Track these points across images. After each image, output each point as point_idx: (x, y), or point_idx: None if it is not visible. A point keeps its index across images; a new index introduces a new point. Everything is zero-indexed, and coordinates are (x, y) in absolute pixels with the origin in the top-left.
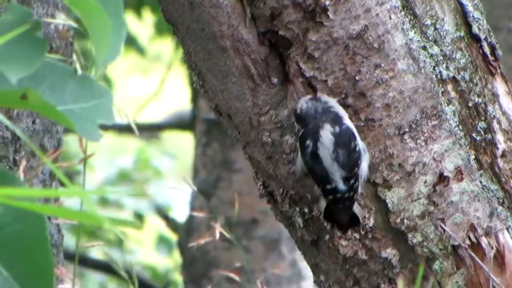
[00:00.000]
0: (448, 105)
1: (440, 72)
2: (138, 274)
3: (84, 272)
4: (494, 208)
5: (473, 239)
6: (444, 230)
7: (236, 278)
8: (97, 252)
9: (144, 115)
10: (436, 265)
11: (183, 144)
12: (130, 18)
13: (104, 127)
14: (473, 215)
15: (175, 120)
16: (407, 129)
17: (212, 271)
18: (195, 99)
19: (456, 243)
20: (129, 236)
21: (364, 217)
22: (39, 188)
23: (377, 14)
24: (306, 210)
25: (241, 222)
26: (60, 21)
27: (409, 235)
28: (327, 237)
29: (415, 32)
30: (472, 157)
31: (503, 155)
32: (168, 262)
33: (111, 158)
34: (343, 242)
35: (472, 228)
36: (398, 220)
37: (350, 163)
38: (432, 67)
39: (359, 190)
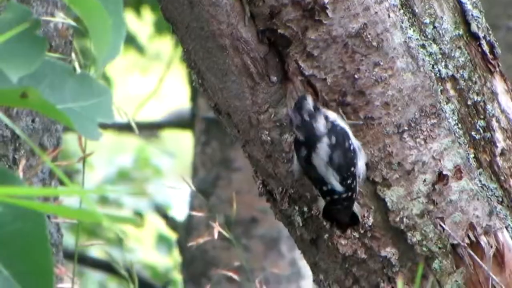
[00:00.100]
0: (447, 103)
1: (439, 70)
2: (138, 273)
3: (84, 271)
4: (493, 207)
5: (473, 238)
6: (444, 229)
7: (236, 277)
8: (97, 251)
9: (144, 114)
10: (435, 264)
11: (183, 142)
12: (129, 16)
13: (104, 126)
14: (472, 214)
15: (174, 118)
16: (406, 128)
17: (211, 270)
18: (194, 97)
19: (455, 242)
20: (129, 235)
21: (364, 216)
22: (38, 187)
23: (376, 12)
24: (305, 209)
25: (240, 221)
26: (59, 19)
27: (409, 234)
28: (326, 236)
29: (414, 31)
30: (471, 155)
31: (502, 153)
32: (168, 261)
33: (111, 157)
34: (343, 241)
35: (472, 227)
36: (398, 219)
37: (346, 163)
38: (431, 66)
39: (358, 189)
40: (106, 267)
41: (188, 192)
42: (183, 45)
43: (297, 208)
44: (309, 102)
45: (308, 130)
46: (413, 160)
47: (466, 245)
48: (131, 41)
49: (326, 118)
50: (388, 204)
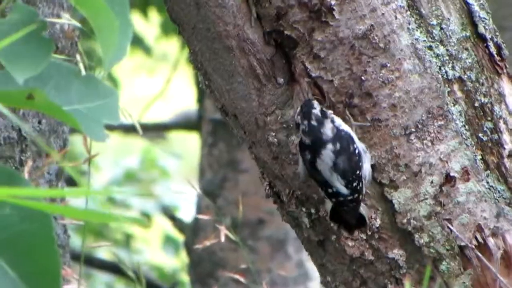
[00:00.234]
0: (454, 105)
1: (446, 72)
2: (145, 274)
3: (91, 272)
4: (501, 208)
5: (480, 240)
6: (451, 231)
7: (242, 280)
8: (104, 252)
9: (151, 115)
10: (443, 266)
11: (189, 144)
12: (136, 18)
13: (110, 127)
14: (480, 215)
15: (181, 120)
16: (413, 129)
17: (218, 271)
18: (201, 99)
19: (463, 244)
20: (136, 236)
21: (371, 217)
22: (45, 188)
23: (383, 14)
24: (312, 210)
25: (247, 223)
26: (65, 21)
27: (416, 236)
28: (333, 237)
29: (421, 32)
30: (479, 157)
31: (509, 155)
32: (175, 262)
33: (117, 158)
34: (350, 243)
35: (479, 228)
36: (405, 221)
37: (351, 167)
38: (438, 67)
39: (364, 190)
40: (113, 268)
41: (195, 194)
42: (189, 46)
43: (304, 209)
44: (316, 106)
45: (315, 135)
46: (420, 162)
47: (473, 247)
48: (137, 42)
49: (333, 121)
50: (396, 205)
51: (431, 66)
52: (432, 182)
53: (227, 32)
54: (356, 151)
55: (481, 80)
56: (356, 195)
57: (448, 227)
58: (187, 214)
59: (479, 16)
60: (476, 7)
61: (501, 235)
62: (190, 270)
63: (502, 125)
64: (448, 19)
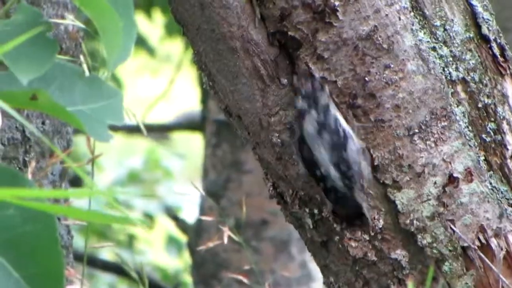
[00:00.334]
0: (457, 106)
1: (449, 73)
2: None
3: (94, 273)
4: (504, 209)
5: (483, 240)
6: (454, 231)
7: (246, 281)
8: (107, 253)
9: (154, 116)
10: (445, 266)
11: (193, 144)
12: (140, 18)
13: (114, 128)
14: (482, 216)
15: (185, 121)
16: (416, 130)
17: (222, 272)
18: (205, 100)
19: (465, 244)
20: (139, 237)
21: (374, 218)
22: (49, 188)
23: (387, 15)
24: (315, 211)
25: (250, 223)
26: (69, 22)
27: (419, 236)
28: (337, 238)
29: (424, 33)
30: (482, 158)
31: None
32: (178, 263)
33: (121, 159)
34: (353, 244)
35: (482, 229)
36: (408, 221)
37: (337, 145)
38: (441, 68)
39: (356, 178)
40: (116, 269)
41: (199, 194)
42: (193, 47)
43: (307, 210)
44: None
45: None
46: (423, 163)
47: (476, 248)
48: (141, 43)
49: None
50: (399, 206)
51: (435, 67)
52: (435, 183)
53: (231, 33)
54: (341, 129)
55: (484, 81)
56: (347, 181)
57: (451, 228)
58: (190, 215)
59: (483, 17)
60: (479, 9)
61: (504, 235)
62: (193, 271)
63: (505, 126)
64: (452, 20)
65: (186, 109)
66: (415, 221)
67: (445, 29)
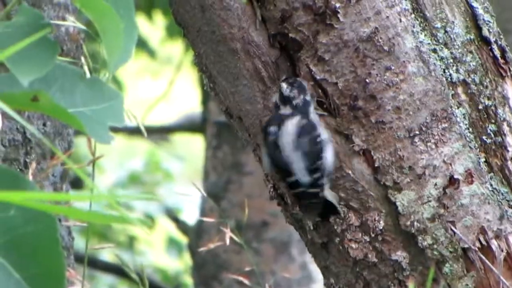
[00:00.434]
0: (458, 107)
1: (450, 74)
2: (148, 276)
3: (95, 274)
4: (505, 211)
5: (483, 242)
6: (454, 233)
7: (246, 282)
8: (107, 254)
9: (155, 117)
10: (446, 268)
11: (194, 146)
12: (141, 20)
13: (115, 130)
14: (483, 217)
15: (185, 122)
16: (417, 132)
17: (222, 273)
18: (205, 101)
19: (466, 246)
20: (139, 238)
21: (374, 219)
22: (49, 190)
23: (387, 17)
24: None
25: (251, 225)
26: (70, 23)
27: (419, 238)
28: (337, 239)
29: (425, 35)
30: (482, 159)
31: None
32: (179, 265)
33: (122, 161)
34: (353, 245)
35: (482, 230)
36: (408, 223)
37: (312, 153)
38: (442, 70)
39: (326, 186)
40: (117, 270)
41: (199, 196)
42: (194, 48)
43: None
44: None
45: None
46: (424, 164)
47: (477, 249)
48: (142, 45)
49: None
50: (399, 208)
51: (436, 69)
52: (435, 184)
53: (232, 35)
54: (318, 139)
55: (485, 83)
56: (316, 190)
57: (452, 230)
58: (190, 216)
59: (483, 19)
60: (480, 10)
61: (504, 237)
62: (194, 273)
63: (505, 128)
64: (453, 22)
65: (187, 111)
66: (415, 223)
67: (445, 31)
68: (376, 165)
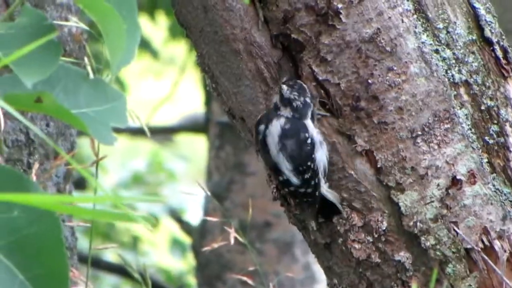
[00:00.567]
0: (460, 108)
1: (452, 75)
2: (152, 276)
3: (98, 274)
4: (507, 211)
5: (486, 242)
6: (457, 233)
7: (250, 281)
8: (111, 254)
9: (158, 118)
10: (449, 268)
11: (197, 147)
12: (143, 21)
13: (118, 130)
14: (486, 218)
15: (188, 123)
16: (419, 132)
17: (226, 273)
18: (208, 102)
19: (469, 246)
20: (143, 238)
21: (377, 220)
22: (53, 191)
23: (390, 18)
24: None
25: (254, 225)
26: (73, 24)
27: (422, 238)
28: (340, 240)
29: (427, 36)
30: (485, 160)
31: None
32: (182, 265)
33: (125, 161)
34: (356, 245)
35: (485, 231)
36: (411, 223)
37: (301, 155)
38: (444, 71)
39: (323, 185)
40: (120, 270)
41: (203, 196)
42: (197, 49)
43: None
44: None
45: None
46: (426, 165)
47: (479, 250)
48: (145, 45)
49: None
50: (402, 208)
51: (438, 70)
52: (438, 185)
53: (234, 36)
54: (309, 141)
55: (487, 84)
56: (310, 190)
57: (454, 230)
58: (194, 217)
59: (485, 19)
60: (482, 11)
61: (507, 237)
62: (198, 273)
63: (508, 128)
64: (455, 22)
65: (190, 111)
66: (418, 223)
67: (448, 32)
68: (378, 166)
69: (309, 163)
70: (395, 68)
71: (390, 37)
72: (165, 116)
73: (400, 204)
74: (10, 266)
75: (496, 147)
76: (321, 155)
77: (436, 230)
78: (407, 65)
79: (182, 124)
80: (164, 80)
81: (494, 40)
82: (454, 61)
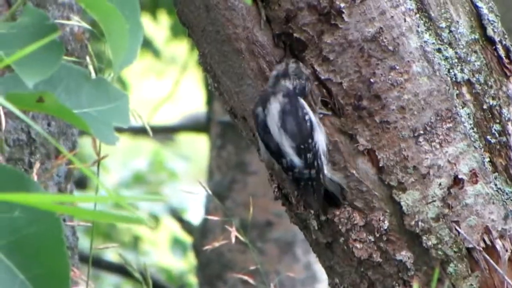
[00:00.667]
0: (463, 107)
1: (455, 74)
2: (152, 276)
3: (99, 274)
4: (509, 210)
5: (488, 242)
6: (459, 233)
7: (251, 281)
8: (111, 254)
9: (160, 117)
10: (450, 268)
11: (198, 146)
12: (145, 20)
13: (119, 130)
14: (487, 217)
15: (190, 122)
16: (422, 132)
17: (227, 273)
18: (210, 101)
19: (470, 246)
20: (144, 238)
21: (379, 219)
22: (54, 190)
23: (392, 17)
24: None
25: (255, 224)
26: (75, 23)
27: (424, 238)
28: (341, 239)
29: (430, 35)
30: (487, 159)
31: None
32: (183, 264)
33: (126, 160)
34: (358, 245)
35: (487, 230)
36: (413, 223)
37: (301, 132)
38: (447, 70)
39: (324, 169)
40: (121, 270)
41: (204, 195)
42: (199, 48)
43: (312, 211)
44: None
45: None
46: (428, 164)
47: (481, 249)
48: (147, 45)
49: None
50: (404, 207)
51: (440, 69)
52: (440, 184)
53: (236, 35)
54: (307, 117)
55: (489, 83)
56: (313, 172)
57: (456, 229)
58: (195, 216)
59: (488, 19)
60: (485, 10)
61: (509, 237)
62: (198, 272)
63: (510, 128)
64: (457, 22)
65: (191, 111)
66: (420, 223)
67: (450, 31)
68: (380, 165)
69: (309, 141)
70: (397, 67)
71: (392, 36)
72: (167, 116)
73: (402, 203)
74: (11, 266)
75: (498, 146)
76: (319, 136)
77: (438, 229)
78: (409, 64)
79: (183, 124)
80: (165, 80)
81: (497, 39)
82: (456, 60)
